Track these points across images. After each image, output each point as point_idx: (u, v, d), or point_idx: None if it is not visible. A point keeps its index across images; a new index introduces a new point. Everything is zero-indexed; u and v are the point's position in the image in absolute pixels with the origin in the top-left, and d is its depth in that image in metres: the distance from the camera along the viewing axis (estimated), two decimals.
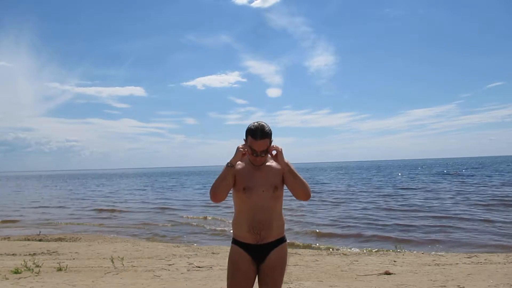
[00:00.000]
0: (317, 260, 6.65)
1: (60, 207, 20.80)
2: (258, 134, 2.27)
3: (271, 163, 2.41)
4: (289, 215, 13.49)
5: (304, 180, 2.34)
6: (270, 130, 2.32)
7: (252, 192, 2.29)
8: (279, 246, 2.36)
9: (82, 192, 33.85)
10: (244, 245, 2.33)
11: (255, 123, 2.31)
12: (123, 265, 6.22)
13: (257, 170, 2.36)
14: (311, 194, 2.38)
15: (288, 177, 2.34)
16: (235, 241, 2.39)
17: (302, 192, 2.33)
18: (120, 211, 18.09)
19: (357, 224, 12.02)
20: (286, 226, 2.46)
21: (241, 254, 2.33)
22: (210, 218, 14.44)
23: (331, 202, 18.32)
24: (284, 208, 2.44)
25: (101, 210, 18.56)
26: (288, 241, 2.48)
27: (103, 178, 74.59)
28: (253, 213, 2.29)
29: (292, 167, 2.33)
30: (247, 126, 2.34)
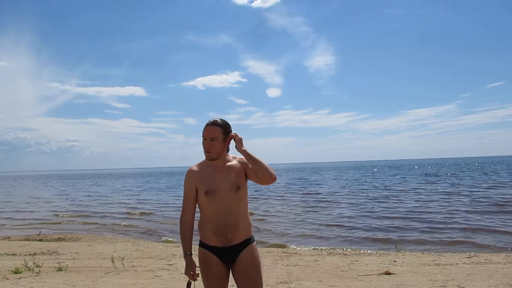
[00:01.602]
0: (317, 260, 6.65)
1: (31, 211, 19.54)
2: (210, 122, 2.34)
3: (232, 163, 2.38)
4: (277, 222, 13.16)
5: (266, 164, 2.28)
6: (224, 122, 2.35)
7: (215, 194, 2.27)
8: (248, 247, 2.33)
9: (66, 193, 32.96)
10: (211, 248, 2.32)
11: None
12: (123, 265, 6.23)
13: (218, 172, 2.33)
14: (276, 176, 2.33)
15: (249, 166, 2.32)
16: (202, 244, 2.37)
17: (266, 175, 2.27)
18: (86, 216, 16.97)
19: (350, 227, 12.00)
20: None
21: (209, 256, 2.32)
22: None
23: (324, 204, 18.16)
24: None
25: (68, 216, 17.20)
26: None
27: (100, 178, 74.30)
28: (218, 216, 2.27)
29: (251, 153, 2.30)
30: None
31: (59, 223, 15.21)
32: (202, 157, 2.41)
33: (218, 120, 2.35)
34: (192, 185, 2.35)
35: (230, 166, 2.36)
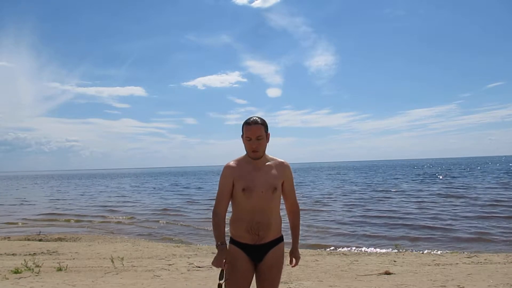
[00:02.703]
0: (317, 260, 6.66)
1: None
2: (251, 121, 2.32)
3: (271, 163, 2.41)
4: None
5: (300, 224, 2.58)
6: (263, 120, 2.35)
7: (252, 193, 2.29)
8: (277, 246, 2.37)
9: (53, 194, 32.19)
10: (242, 245, 2.33)
11: (250, 116, 2.38)
12: (123, 265, 6.23)
13: (256, 170, 2.35)
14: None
15: (286, 183, 2.49)
16: (233, 241, 2.39)
17: None
18: (54, 220, 15.99)
19: (349, 228, 12.00)
20: None
21: (239, 253, 2.33)
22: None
23: (321, 205, 18.16)
24: None
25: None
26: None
27: (96, 179, 73.96)
28: (253, 213, 2.29)
29: (298, 245, 2.53)
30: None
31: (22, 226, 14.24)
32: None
33: (258, 119, 2.34)
34: (229, 180, 2.35)
35: (269, 166, 2.39)
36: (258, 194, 2.29)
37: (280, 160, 2.46)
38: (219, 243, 2.22)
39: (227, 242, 2.37)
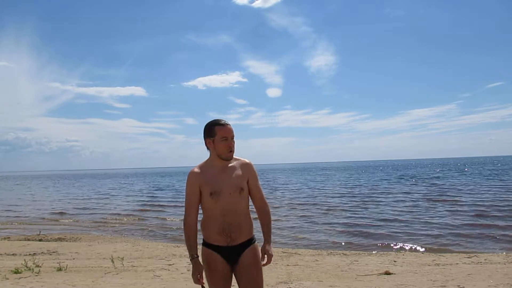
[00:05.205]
0: (317, 260, 6.66)
1: None
2: (224, 122, 2.38)
3: (233, 164, 2.42)
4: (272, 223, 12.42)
5: (271, 222, 2.49)
6: None
7: (219, 196, 2.30)
8: (250, 247, 2.37)
9: (31, 195, 31.36)
10: (215, 247, 2.34)
11: (214, 119, 2.42)
12: (123, 265, 6.23)
13: (221, 173, 2.36)
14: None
15: (252, 180, 2.45)
16: (205, 243, 2.39)
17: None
18: None
19: (348, 227, 12.01)
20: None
21: (213, 255, 2.34)
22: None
23: (319, 205, 18.15)
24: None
25: None
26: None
27: (90, 178, 73.69)
28: (223, 216, 2.30)
29: (270, 242, 2.42)
30: (207, 125, 2.40)
31: None
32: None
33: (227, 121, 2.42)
34: (195, 187, 2.36)
35: (233, 167, 2.40)
36: (226, 196, 2.30)
37: (242, 159, 2.47)
38: (193, 256, 2.32)
39: (200, 244, 2.41)
